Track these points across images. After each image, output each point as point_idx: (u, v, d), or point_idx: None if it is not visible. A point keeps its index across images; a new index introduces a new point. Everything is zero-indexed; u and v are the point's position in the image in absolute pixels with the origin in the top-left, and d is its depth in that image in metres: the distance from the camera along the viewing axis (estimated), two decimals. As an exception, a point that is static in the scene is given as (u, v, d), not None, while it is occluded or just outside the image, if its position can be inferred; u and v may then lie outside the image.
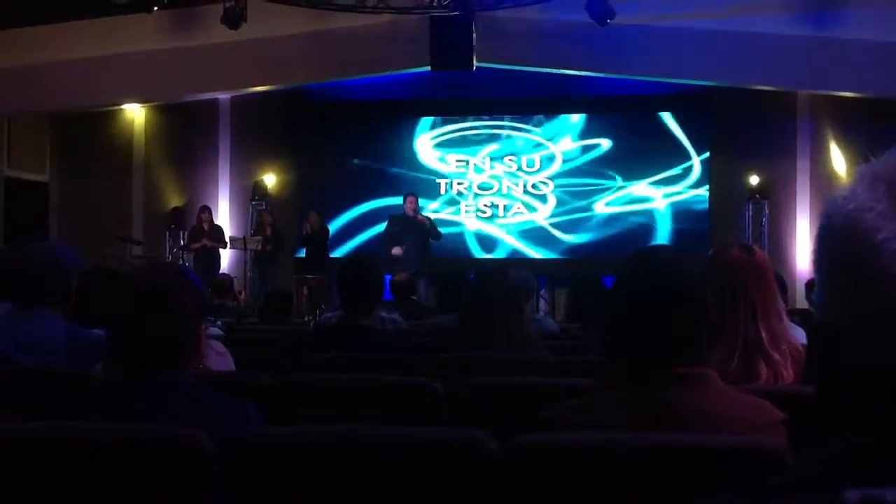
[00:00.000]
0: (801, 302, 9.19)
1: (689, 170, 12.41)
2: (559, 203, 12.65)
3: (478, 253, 12.61)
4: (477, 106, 12.74)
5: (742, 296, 2.48)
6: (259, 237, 11.88)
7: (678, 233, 12.25)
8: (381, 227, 11.57)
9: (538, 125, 12.77)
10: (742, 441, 1.70)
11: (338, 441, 1.81)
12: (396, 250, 10.51)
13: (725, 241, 2.76)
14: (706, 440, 1.70)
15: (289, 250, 12.26)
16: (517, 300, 3.60)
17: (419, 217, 10.59)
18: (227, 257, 12.48)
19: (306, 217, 11.89)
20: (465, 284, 4.91)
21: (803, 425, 1.46)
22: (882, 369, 0.74)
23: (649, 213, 12.46)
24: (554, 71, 11.48)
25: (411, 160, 12.90)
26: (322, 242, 11.71)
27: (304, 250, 11.88)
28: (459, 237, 12.62)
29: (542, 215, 12.69)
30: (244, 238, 11.99)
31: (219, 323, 5.14)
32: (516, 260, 12.18)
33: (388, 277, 6.69)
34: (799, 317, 5.84)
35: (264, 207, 12.82)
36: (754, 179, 12.26)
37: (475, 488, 1.75)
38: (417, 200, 10.85)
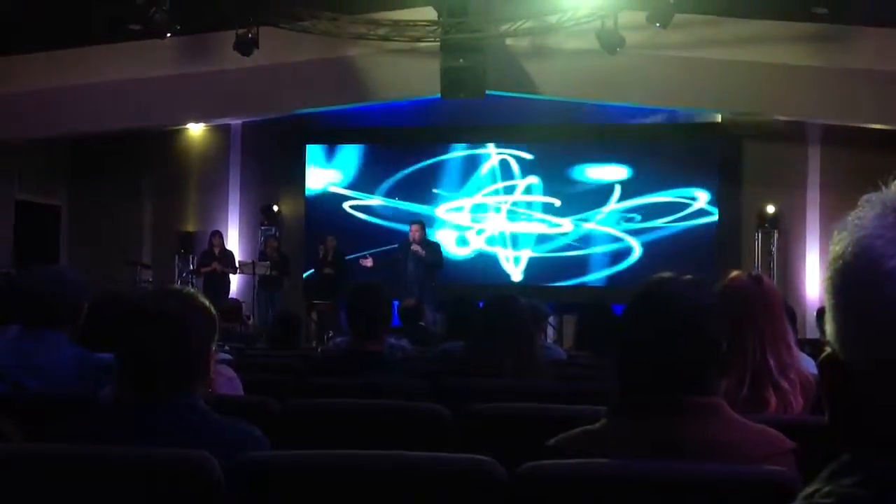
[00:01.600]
0: (812, 332, 9.14)
1: (697, 199, 12.39)
2: (569, 230, 12.66)
3: (487, 279, 12.58)
4: (487, 132, 12.78)
5: (750, 325, 2.47)
6: (267, 262, 11.91)
7: (686, 262, 12.20)
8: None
9: (546, 152, 12.80)
10: (753, 470, 1.69)
11: (344, 466, 1.81)
12: (366, 262, 10.76)
13: (733, 271, 2.74)
14: (716, 470, 1.69)
15: (295, 275, 12.29)
16: (525, 328, 3.59)
17: (415, 248, 10.52)
18: (236, 282, 12.51)
19: (322, 240, 11.92)
20: (473, 311, 4.89)
21: (814, 455, 1.45)
22: (892, 397, 0.74)
23: (656, 242, 12.43)
24: (565, 99, 11.52)
25: (421, 186, 12.95)
26: (336, 268, 11.71)
27: (316, 275, 11.89)
28: (469, 262, 12.63)
29: (551, 241, 12.70)
30: (253, 263, 12.02)
31: (226, 348, 5.13)
32: (525, 286, 12.16)
33: (396, 304, 6.70)
34: (809, 347, 5.81)
35: (272, 233, 12.87)
36: (763, 208, 12.25)
37: (482, 516, 1.73)
38: (421, 229, 10.78)
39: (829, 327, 0.80)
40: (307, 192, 13.17)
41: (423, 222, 11.10)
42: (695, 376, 1.77)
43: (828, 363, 0.80)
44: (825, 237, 11.78)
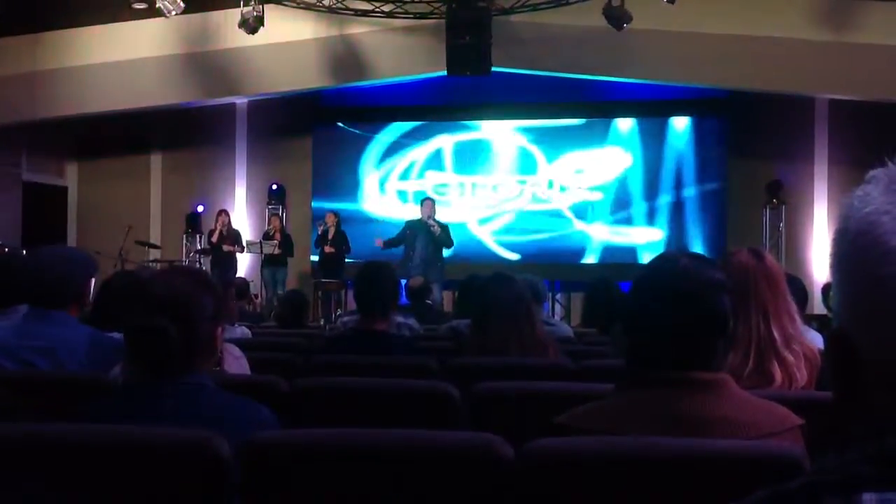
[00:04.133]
0: (819, 308, 9.14)
1: (706, 174, 12.36)
2: (576, 205, 12.65)
3: (498, 256, 12.59)
4: (494, 109, 12.75)
5: (753, 299, 2.49)
6: (275, 241, 11.92)
7: (693, 239, 12.19)
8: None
9: (557, 128, 12.77)
10: (760, 447, 1.70)
11: (352, 445, 1.81)
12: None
13: (741, 247, 2.75)
14: (724, 446, 1.69)
15: (302, 254, 12.31)
16: (525, 305, 3.59)
17: (432, 223, 10.56)
18: (243, 261, 12.54)
19: (322, 218, 11.93)
20: (480, 289, 4.89)
21: (820, 430, 1.45)
22: (892, 373, 0.74)
23: (664, 219, 12.41)
24: (571, 75, 11.47)
25: (428, 164, 12.94)
26: (338, 246, 11.71)
27: (317, 253, 11.89)
28: (477, 240, 12.64)
29: (563, 215, 12.68)
30: (260, 242, 12.04)
31: (235, 325, 5.15)
32: (531, 264, 12.16)
33: (403, 282, 6.70)
34: (818, 323, 5.81)
35: (277, 212, 12.88)
36: (771, 184, 12.21)
37: (490, 494, 1.74)
38: (433, 206, 10.81)
39: (833, 302, 0.80)
40: (313, 171, 13.16)
41: (434, 200, 11.09)
42: (701, 352, 1.77)
43: (834, 338, 0.80)
44: (833, 213, 11.75)
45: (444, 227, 10.76)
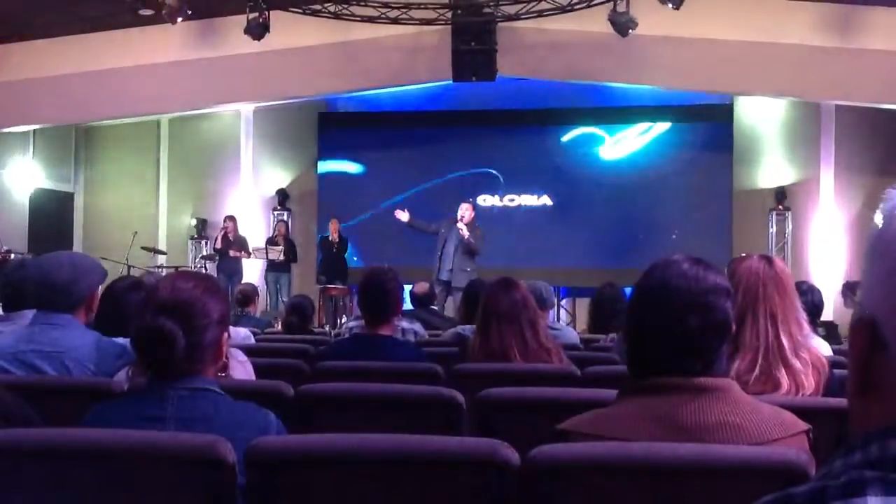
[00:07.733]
0: (826, 314, 9.11)
1: (711, 180, 12.33)
2: (585, 211, 12.63)
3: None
4: (499, 117, 12.74)
5: (762, 305, 2.48)
6: (280, 247, 11.95)
7: (700, 244, 12.15)
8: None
9: (564, 135, 12.77)
10: (765, 452, 1.69)
11: (357, 451, 1.81)
12: (402, 214, 10.26)
13: (748, 253, 2.74)
14: (728, 452, 1.69)
15: (307, 259, 12.34)
16: (528, 310, 3.58)
17: (460, 227, 9.91)
18: (249, 267, 12.56)
19: (328, 224, 11.95)
20: (484, 294, 4.88)
21: (828, 436, 1.45)
22: None
23: (670, 225, 12.38)
24: (576, 82, 11.47)
25: (435, 169, 12.92)
26: (341, 252, 11.75)
27: (325, 258, 11.91)
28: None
29: (568, 221, 12.67)
30: (266, 248, 12.06)
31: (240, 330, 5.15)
32: (538, 269, 12.14)
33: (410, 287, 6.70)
34: (825, 329, 5.79)
35: (283, 218, 12.90)
36: (777, 190, 12.18)
37: (495, 499, 1.74)
38: (472, 209, 10.22)
39: (863, 289, 0.79)
40: (319, 177, 13.18)
41: (475, 203, 10.69)
42: (703, 357, 1.77)
43: (860, 324, 0.79)
44: (838, 219, 11.73)
45: (477, 233, 10.09)
